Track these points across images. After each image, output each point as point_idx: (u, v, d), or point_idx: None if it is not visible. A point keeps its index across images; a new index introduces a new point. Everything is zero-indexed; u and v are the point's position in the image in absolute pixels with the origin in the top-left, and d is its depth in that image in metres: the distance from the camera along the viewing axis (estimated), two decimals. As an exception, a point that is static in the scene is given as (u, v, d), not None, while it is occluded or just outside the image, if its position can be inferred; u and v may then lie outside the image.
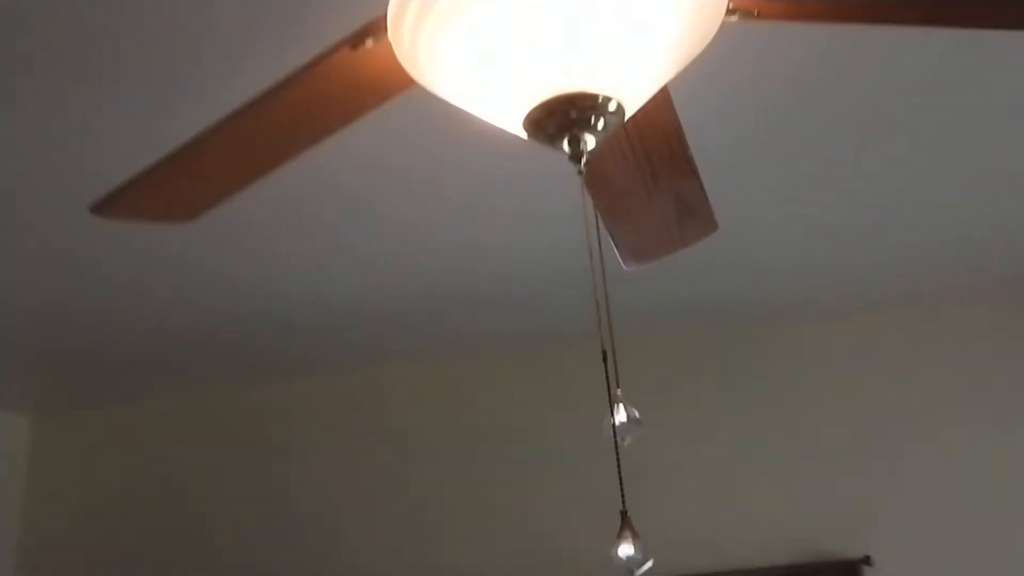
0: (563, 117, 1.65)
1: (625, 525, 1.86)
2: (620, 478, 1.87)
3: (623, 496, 1.87)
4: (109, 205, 1.88)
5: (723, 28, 1.47)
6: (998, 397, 3.45)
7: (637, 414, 1.97)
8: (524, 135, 1.82)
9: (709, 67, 1.91)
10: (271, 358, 3.96)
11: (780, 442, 3.57)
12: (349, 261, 3.17)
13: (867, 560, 3.30)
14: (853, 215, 3.07)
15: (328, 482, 4.03)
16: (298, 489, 4.02)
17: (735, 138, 2.59)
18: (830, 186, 2.90)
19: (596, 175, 2.12)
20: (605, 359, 1.96)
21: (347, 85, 1.67)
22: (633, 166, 2.13)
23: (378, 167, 2.69)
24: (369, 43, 1.56)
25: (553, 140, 1.80)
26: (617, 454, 1.87)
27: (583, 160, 1.85)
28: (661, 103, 1.93)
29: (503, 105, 1.62)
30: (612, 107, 1.70)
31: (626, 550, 1.82)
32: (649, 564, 1.82)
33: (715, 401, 3.73)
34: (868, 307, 3.69)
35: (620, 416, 1.94)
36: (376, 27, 1.52)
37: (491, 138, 2.41)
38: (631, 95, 1.65)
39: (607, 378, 1.95)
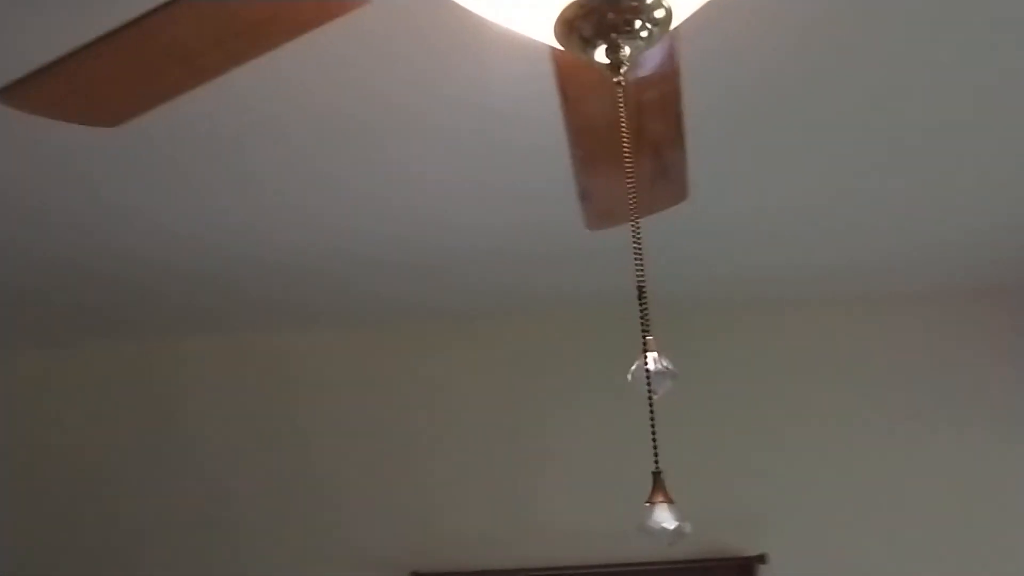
0: (601, 18, 1.46)
1: (658, 488, 1.62)
2: (653, 434, 1.63)
3: (656, 454, 1.63)
4: (18, 92, 1.50)
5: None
6: (895, 400, 3.47)
7: (671, 365, 1.73)
8: (553, 41, 1.59)
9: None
10: (173, 310, 3.50)
11: (680, 437, 3.43)
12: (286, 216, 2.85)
13: (762, 558, 3.27)
14: (772, 212, 2.98)
15: (226, 447, 3.60)
16: (196, 451, 3.59)
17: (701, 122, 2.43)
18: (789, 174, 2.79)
19: (581, 120, 1.90)
20: (641, 296, 1.71)
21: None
22: (624, 115, 1.92)
23: (318, 118, 2.40)
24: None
25: (587, 47, 1.57)
26: (651, 406, 1.62)
27: (622, 69, 1.63)
28: (668, 51, 1.72)
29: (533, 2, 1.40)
30: (660, 13, 1.49)
31: (660, 516, 1.58)
32: (686, 534, 1.59)
33: (617, 392, 3.52)
34: (769, 305, 3.62)
35: (653, 364, 1.69)
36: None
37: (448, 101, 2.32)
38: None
39: (642, 321, 1.70)
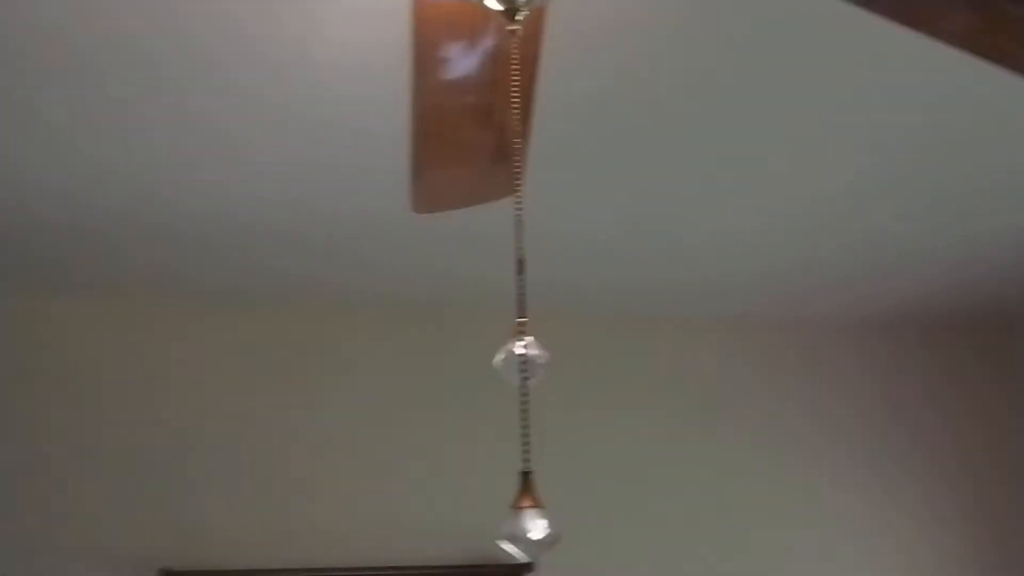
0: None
1: (527, 490, 1.41)
2: (525, 427, 1.42)
3: (527, 450, 1.43)
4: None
5: None
6: (667, 416, 3.48)
7: (546, 352, 1.53)
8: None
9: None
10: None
11: (456, 444, 3.29)
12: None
13: (529, 567, 3.20)
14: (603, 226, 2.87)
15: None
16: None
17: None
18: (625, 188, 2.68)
19: (430, 96, 1.69)
20: (521, 270, 1.50)
21: None
22: (476, 88, 1.73)
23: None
24: None
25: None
26: (525, 396, 1.42)
27: (518, 16, 1.44)
28: (533, 32, 1.54)
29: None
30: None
31: (528, 523, 1.38)
32: (556, 543, 1.39)
33: (406, 395, 3.31)
34: (575, 323, 3.41)
35: (529, 349, 1.49)
36: None
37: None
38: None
39: (518, 297, 1.49)
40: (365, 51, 2.01)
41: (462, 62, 1.70)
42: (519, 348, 1.46)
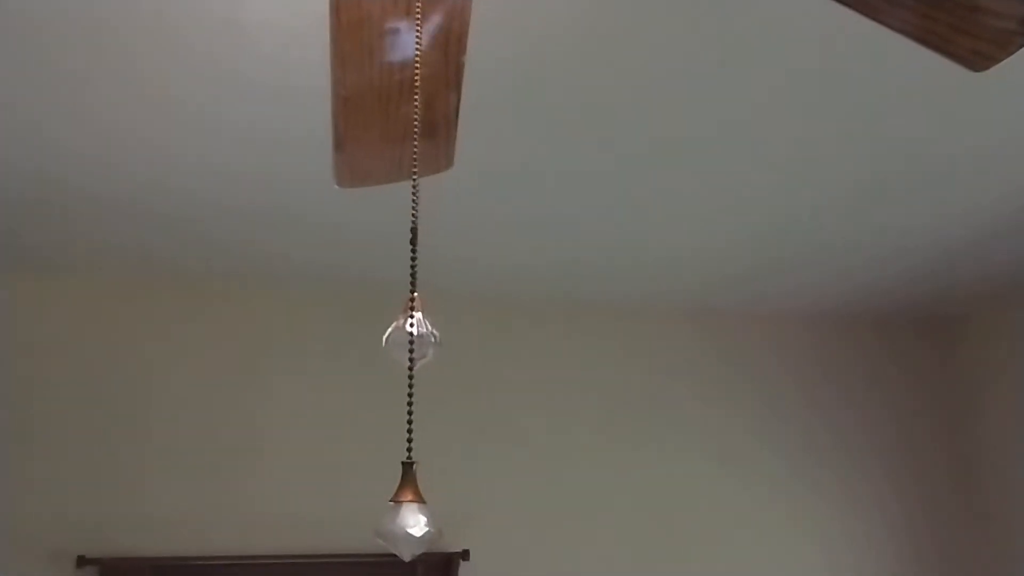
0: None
1: (407, 484, 1.27)
2: (410, 414, 1.29)
3: (410, 442, 1.29)
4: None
5: None
6: (597, 411, 3.51)
7: (435, 330, 1.40)
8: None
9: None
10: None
11: (391, 433, 3.28)
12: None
13: (465, 554, 3.21)
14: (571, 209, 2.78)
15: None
16: None
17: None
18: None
19: (350, 50, 1.55)
20: (413, 243, 1.37)
21: None
22: (401, 65, 1.60)
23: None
24: None
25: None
26: (411, 377, 1.28)
27: None
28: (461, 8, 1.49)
29: None
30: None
31: (407, 519, 1.25)
32: (436, 542, 1.26)
33: (337, 384, 3.28)
34: (497, 303, 3.48)
35: (418, 328, 1.35)
36: None
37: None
38: None
39: (411, 272, 1.36)
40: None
41: (389, 39, 1.59)
42: (408, 325, 1.34)
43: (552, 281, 3.40)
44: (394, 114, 1.73)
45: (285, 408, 3.22)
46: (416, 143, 1.51)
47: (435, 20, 1.52)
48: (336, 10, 1.48)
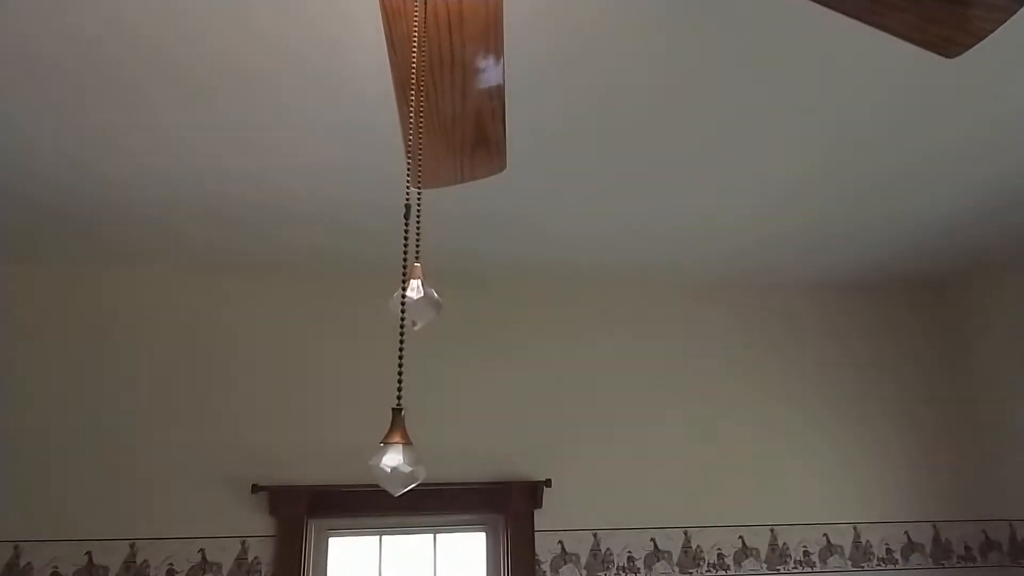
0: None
1: (396, 427, 1.46)
2: (400, 367, 1.46)
3: (400, 389, 1.47)
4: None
5: None
6: (656, 374, 3.77)
7: (436, 295, 1.56)
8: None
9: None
10: None
11: (494, 388, 3.60)
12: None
13: (548, 483, 3.39)
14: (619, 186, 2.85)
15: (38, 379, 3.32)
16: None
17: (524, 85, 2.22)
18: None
19: (410, 80, 1.68)
20: (407, 215, 1.53)
21: None
22: (447, 73, 1.72)
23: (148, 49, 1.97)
24: None
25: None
26: (402, 336, 1.45)
27: None
28: (493, 9, 1.51)
29: None
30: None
31: (392, 458, 1.43)
32: (419, 480, 1.45)
33: (444, 342, 3.60)
34: (578, 284, 3.77)
35: (415, 292, 1.53)
36: None
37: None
38: None
39: (405, 241, 1.52)
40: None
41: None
42: (411, 290, 1.51)
43: (619, 252, 3.45)
44: (450, 126, 1.86)
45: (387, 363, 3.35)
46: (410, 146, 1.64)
47: (467, 33, 1.65)
48: (391, 43, 1.60)
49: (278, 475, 3.23)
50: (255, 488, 3.16)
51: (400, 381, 1.40)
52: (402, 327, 1.40)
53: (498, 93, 1.69)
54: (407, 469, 1.36)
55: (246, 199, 2.76)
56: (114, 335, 3.30)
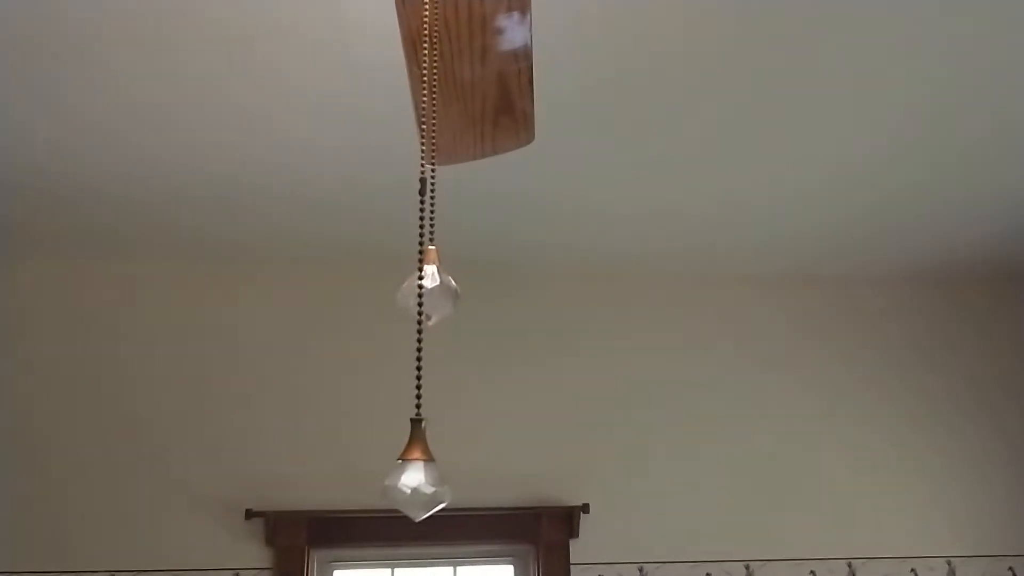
0: None
1: (416, 442, 1.23)
2: (419, 370, 1.24)
3: (419, 397, 1.25)
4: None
5: None
6: (707, 382, 3.42)
7: (454, 283, 1.34)
8: None
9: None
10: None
11: (523, 400, 3.31)
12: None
13: (585, 508, 3.16)
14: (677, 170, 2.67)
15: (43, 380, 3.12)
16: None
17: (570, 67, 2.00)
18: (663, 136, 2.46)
19: (421, 35, 1.50)
20: (423, 191, 1.32)
21: None
22: (464, 30, 1.54)
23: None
24: None
25: None
26: (420, 332, 1.23)
27: None
28: None
29: None
30: None
31: (412, 477, 1.21)
32: (444, 503, 1.22)
33: (466, 348, 3.31)
34: (617, 277, 3.45)
35: (429, 280, 1.31)
36: None
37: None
38: None
39: (421, 221, 1.31)
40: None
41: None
42: (426, 278, 1.29)
43: (659, 239, 3.26)
44: (469, 90, 1.70)
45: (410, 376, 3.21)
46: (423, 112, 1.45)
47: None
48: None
49: (275, 499, 3.06)
50: (249, 514, 3.00)
51: (419, 387, 1.21)
52: (420, 319, 1.13)
53: (524, 54, 1.50)
54: (429, 490, 1.24)
55: (243, 182, 2.66)
56: (85, 341, 3.17)
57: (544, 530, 3.12)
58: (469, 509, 3.10)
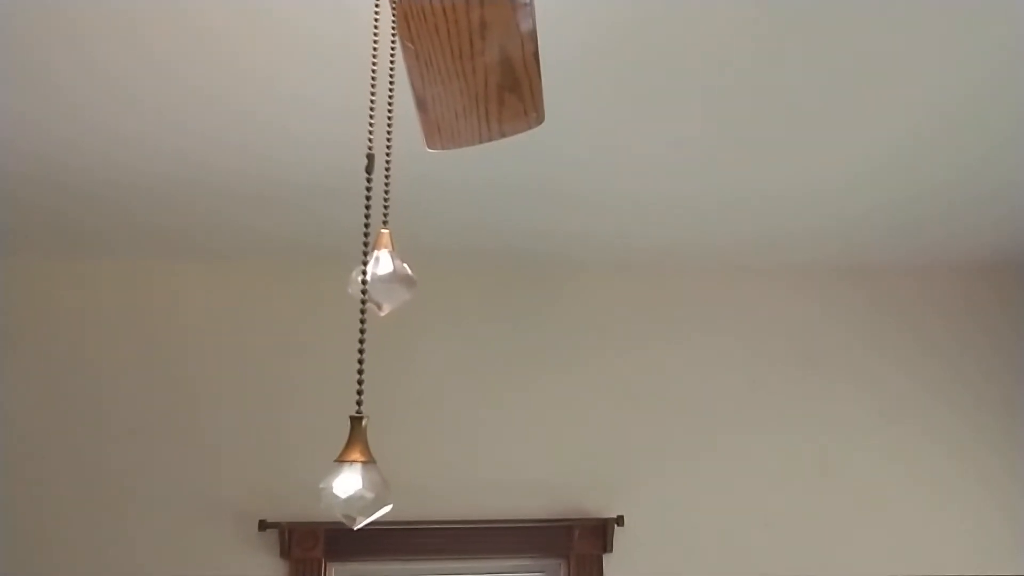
0: None
1: (355, 442, 1.15)
2: (360, 363, 1.16)
3: (360, 393, 1.16)
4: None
5: None
6: (747, 383, 3.28)
7: (408, 270, 1.25)
8: None
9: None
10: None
11: (552, 402, 3.22)
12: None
13: (620, 520, 3.06)
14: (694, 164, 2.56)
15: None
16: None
17: (581, 53, 1.95)
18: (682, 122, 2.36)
19: (414, 9, 1.43)
20: (370, 167, 1.23)
21: None
22: (461, 5, 1.46)
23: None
24: None
25: None
26: (362, 318, 1.15)
27: None
28: None
29: None
30: None
31: (347, 481, 1.12)
32: (385, 509, 1.13)
33: (491, 347, 3.24)
34: (638, 271, 3.34)
35: (380, 266, 1.22)
36: None
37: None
38: None
39: (367, 202, 1.22)
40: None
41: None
42: (378, 264, 1.21)
43: (712, 253, 3.20)
44: (470, 70, 1.62)
45: (430, 377, 3.17)
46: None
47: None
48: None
49: (290, 510, 3.00)
50: (264, 525, 2.96)
51: (360, 381, 1.10)
52: (363, 311, 1.06)
53: (527, 26, 1.38)
54: (368, 495, 1.05)
55: (234, 169, 2.62)
56: (80, 339, 3.15)
57: (576, 543, 3.04)
58: (496, 520, 3.04)
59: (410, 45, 1.51)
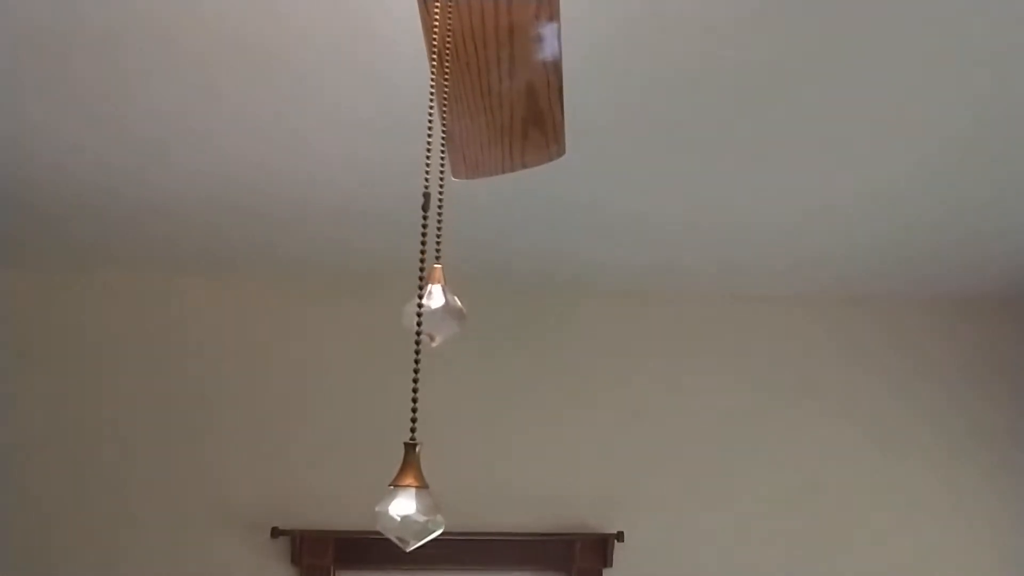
0: None
1: (409, 467, 1.22)
2: (415, 391, 1.23)
3: (414, 421, 1.24)
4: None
5: None
6: (748, 406, 3.35)
7: (459, 303, 1.34)
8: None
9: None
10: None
11: (556, 421, 3.29)
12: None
13: (620, 536, 3.12)
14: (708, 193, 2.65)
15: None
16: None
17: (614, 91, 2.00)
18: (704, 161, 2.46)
19: (448, 47, 1.50)
20: (426, 205, 1.31)
21: None
22: (491, 38, 1.53)
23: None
24: None
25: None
26: (417, 349, 1.23)
27: None
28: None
29: None
30: None
31: (402, 505, 1.20)
32: (436, 532, 1.21)
33: (492, 365, 3.31)
34: (630, 294, 3.41)
35: (433, 300, 1.30)
36: None
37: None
38: None
39: (422, 243, 1.30)
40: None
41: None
42: (431, 298, 1.29)
43: (716, 277, 3.26)
44: (497, 101, 1.66)
45: (436, 394, 3.14)
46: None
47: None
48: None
49: (303, 517, 3.07)
50: (276, 532, 3.02)
51: (414, 409, 1.17)
52: (418, 343, 1.14)
53: (554, 64, 1.48)
54: (421, 519, 1.12)
55: (266, 192, 2.68)
56: (95, 348, 3.22)
57: (577, 558, 3.09)
58: (499, 534, 3.09)
59: (442, 80, 1.58)
